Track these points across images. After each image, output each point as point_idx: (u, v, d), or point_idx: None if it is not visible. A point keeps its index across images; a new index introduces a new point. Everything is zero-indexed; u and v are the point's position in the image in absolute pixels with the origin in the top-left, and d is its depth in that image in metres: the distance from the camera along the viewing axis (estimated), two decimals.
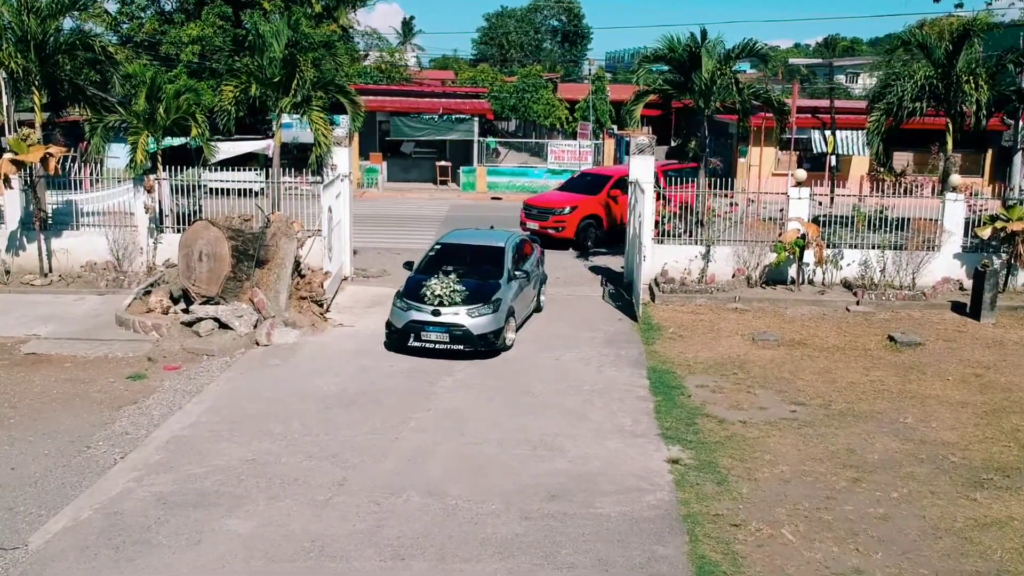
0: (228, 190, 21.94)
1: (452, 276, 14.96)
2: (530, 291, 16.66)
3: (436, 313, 14.51)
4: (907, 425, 12.35)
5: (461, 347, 14.41)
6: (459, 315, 14.45)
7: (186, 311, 15.92)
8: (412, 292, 15.01)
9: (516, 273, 15.76)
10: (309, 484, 10.16)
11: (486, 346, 14.51)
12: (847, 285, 19.33)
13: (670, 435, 11.73)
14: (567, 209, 24.04)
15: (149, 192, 19.28)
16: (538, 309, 17.42)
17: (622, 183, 24.06)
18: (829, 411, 12.78)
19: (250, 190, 22.63)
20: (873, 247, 19.46)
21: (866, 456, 11.28)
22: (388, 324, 15.05)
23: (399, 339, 14.74)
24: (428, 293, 14.69)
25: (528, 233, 22.83)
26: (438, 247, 16.69)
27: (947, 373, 14.59)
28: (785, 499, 10.06)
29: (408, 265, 16.88)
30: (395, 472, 10.50)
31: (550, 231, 23.77)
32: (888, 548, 9.07)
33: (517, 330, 15.65)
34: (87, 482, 10.15)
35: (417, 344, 14.54)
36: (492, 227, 18.98)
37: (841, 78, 57.84)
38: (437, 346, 14.45)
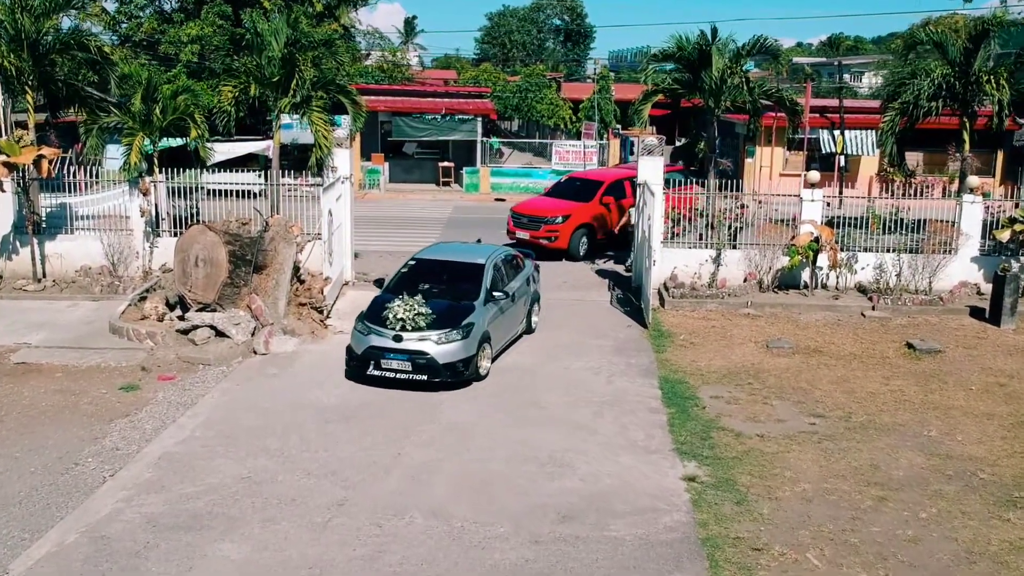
0: (227, 192, 21.44)
1: (418, 297, 13.51)
2: (516, 311, 15.19)
3: (398, 339, 13.02)
4: (931, 438, 11.84)
5: (424, 377, 12.94)
6: (424, 341, 13.00)
7: (182, 318, 15.44)
8: (374, 314, 13.54)
9: (495, 294, 14.25)
10: (307, 505, 9.66)
11: (453, 376, 13.04)
12: (862, 289, 18.80)
13: (685, 450, 11.22)
14: (560, 218, 22.68)
15: (145, 195, 18.79)
16: (529, 331, 15.98)
17: (614, 189, 23.35)
18: (850, 423, 12.27)
19: (250, 192, 22.11)
20: (888, 250, 18.94)
21: (891, 472, 10.77)
22: (348, 350, 13.67)
23: (358, 367, 13.32)
24: (390, 316, 13.22)
25: (515, 245, 22.09)
26: (412, 263, 15.26)
27: (969, 382, 14.07)
28: (809, 520, 9.55)
29: (379, 283, 15.58)
30: (397, 491, 10.00)
31: (542, 241, 22.46)
32: (920, 574, 8.57)
33: (497, 357, 14.29)
34: (74, 502, 9.66)
35: (377, 373, 13.09)
36: (479, 240, 17.72)
37: (846, 77, 57.26)
38: (398, 376, 13.00)
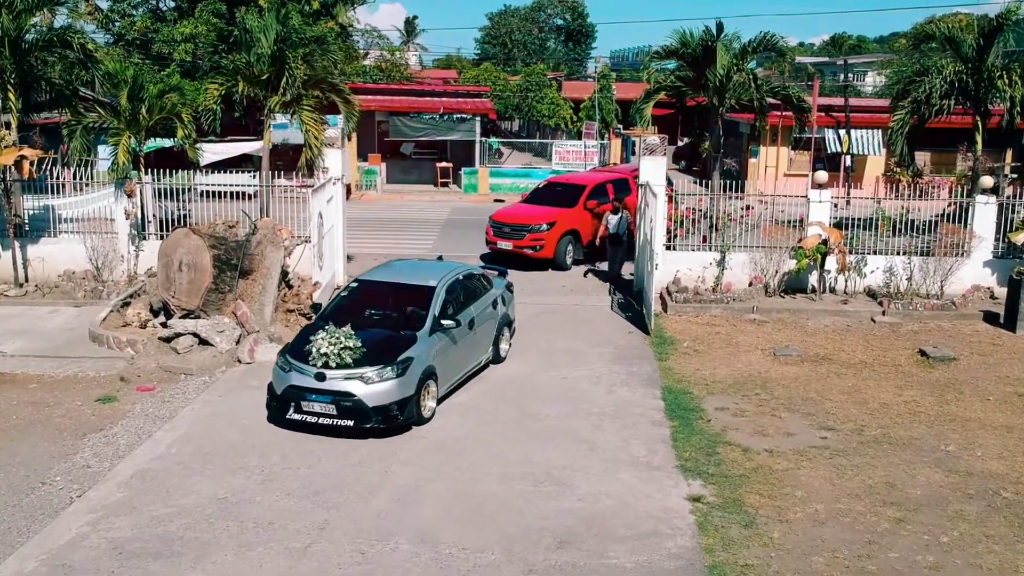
0: (220, 193, 20.83)
1: (346, 328, 11.67)
2: (476, 340, 13.39)
3: (320, 377, 11.27)
4: (949, 453, 11.20)
5: (350, 423, 11.14)
6: (350, 380, 11.22)
7: (165, 325, 14.83)
8: (298, 347, 11.83)
9: (444, 323, 12.38)
10: (286, 528, 9.04)
11: (385, 421, 11.21)
12: (871, 294, 18.19)
13: (689, 467, 10.58)
14: (544, 226, 21.42)
15: (130, 197, 18.19)
16: (497, 360, 14.24)
17: (598, 192, 22.63)
18: (863, 437, 11.63)
19: (244, 194, 21.49)
20: (898, 253, 18.32)
21: (908, 491, 10.13)
22: (269, 388, 11.98)
23: (278, 409, 11.58)
24: (313, 350, 11.45)
25: (493, 256, 21.26)
26: (353, 285, 13.61)
27: (987, 392, 13.43)
28: (822, 544, 8.92)
29: (316, 308, 14.13)
30: (382, 514, 9.38)
31: (527, 251, 21.20)
32: None
33: (446, 396, 12.51)
34: (37, 525, 9.04)
35: (297, 417, 11.33)
36: (440, 257, 16.14)
37: (849, 76, 56.78)
38: (321, 420, 11.22)
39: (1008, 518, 9.54)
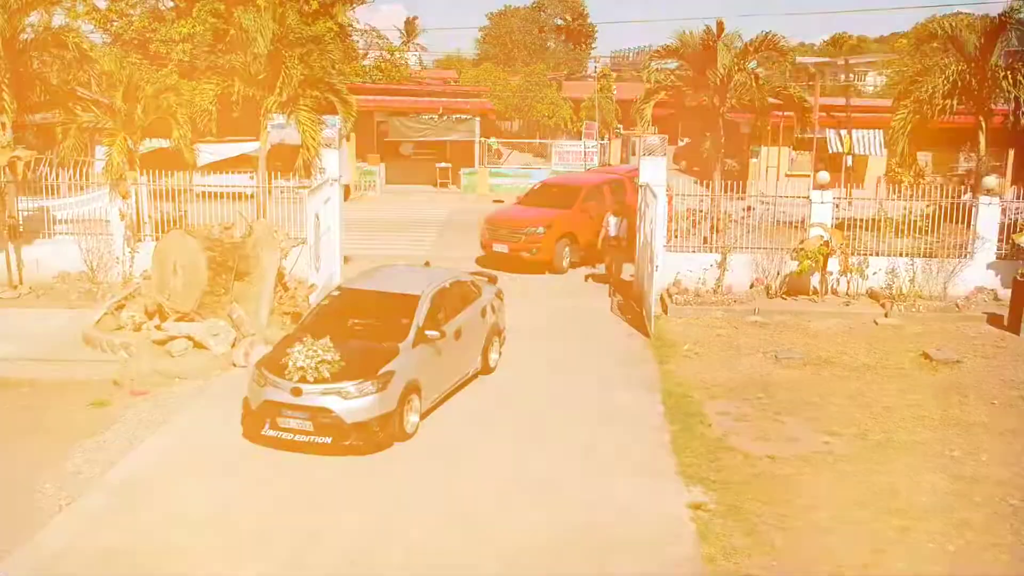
0: (217, 194, 20.61)
1: (324, 340, 11.07)
2: (463, 351, 12.85)
3: (297, 392, 10.78)
4: (954, 459, 11.02)
5: (328, 440, 10.61)
6: (327, 396, 10.69)
7: (159, 328, 14.65)
8: (275, 360, 11.32)
9: (428, 334, 11.79)
10: (276, 537, 8.88)
11: (365, 439, 10.68)
12: (873, 295, 18.01)
13: (690, 473, 10.41)
14: (541, 228, 20.89)
15: (125, 198, 18.01)
16: (487, 370, 13.66)
17: (594, 194, 22.36)
18: (866, 442, 11.46)
19: (240, 194, 21.25)
20: (900, 254, 18.14)
21: (912, 498, 9.96)
22: (244, 403, 11.40)
23: (253, 425, 11.09)
24: (289, 364, 10.92)
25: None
26: (335, 294, 13.07)
27: (991, 396, 13.25)
28: (826, 553, 8.76)
29: (297, 319, 13.88)
30: (375, 523, 9.20)
31: (523, 254, 20.78)
32: None
33: (432, 409, 12.00)
34: (25, 535, 8.86)
35: (272, 433, 10.79)
36: (427, 263, 15.47)
37: (850, 76, 56.59)
38: (297, 438, 10.67)
39: (1015, 526, 9.37)
